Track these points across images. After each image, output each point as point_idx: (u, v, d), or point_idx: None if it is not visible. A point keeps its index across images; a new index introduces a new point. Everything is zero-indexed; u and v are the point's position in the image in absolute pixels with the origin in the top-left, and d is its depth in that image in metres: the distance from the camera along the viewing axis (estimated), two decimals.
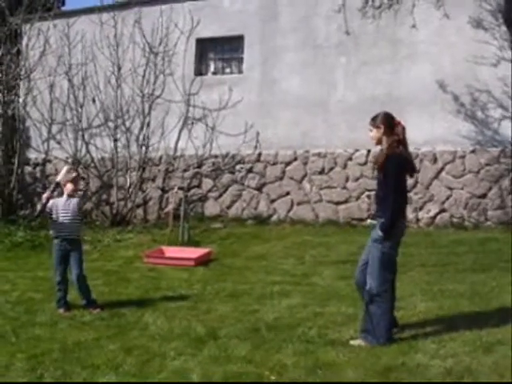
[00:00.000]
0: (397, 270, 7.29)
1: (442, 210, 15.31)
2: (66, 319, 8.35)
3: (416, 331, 7.23)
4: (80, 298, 8.97)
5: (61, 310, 8.75)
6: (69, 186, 8.89)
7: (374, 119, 7.21)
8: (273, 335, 7.34)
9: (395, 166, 6.93)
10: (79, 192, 9.62)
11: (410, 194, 15.36)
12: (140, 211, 17.82)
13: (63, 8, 22.74)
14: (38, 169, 19.32)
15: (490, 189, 14.94)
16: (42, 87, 18.43)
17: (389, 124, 7.07)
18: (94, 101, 18.06)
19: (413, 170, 7.28)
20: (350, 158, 15.93)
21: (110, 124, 17.76)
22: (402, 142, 7.06)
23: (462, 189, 15.17)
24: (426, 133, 15.32)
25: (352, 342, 6.95)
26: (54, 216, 8.88)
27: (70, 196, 8.94)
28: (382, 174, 7.03)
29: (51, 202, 8.87)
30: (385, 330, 6.95)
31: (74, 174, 9.20)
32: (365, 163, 15.73)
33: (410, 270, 10.80)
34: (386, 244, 6.96)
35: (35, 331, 7.77)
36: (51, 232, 8.97)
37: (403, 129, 7.10)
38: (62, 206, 8.85)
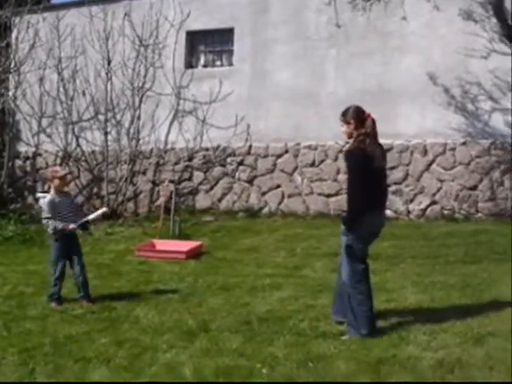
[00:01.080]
0: (367, 262, 7.26)
1: (433, 202, 15.35)
2: (57, 313, 8.33)
3: (407, 323, 7.24)
4: (76, 291, 8.96)
5: (53, 304, 8.72)
6: (56, 182, 8.88)
7: (344, 114, 7.22)
8: (264, 328, 7.34)
9: (356, 161, 6.98)
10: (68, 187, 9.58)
11: (401, 186, 15.43)
12: (131, 204, 17.79)
13: (53, 1, 22.69)
14: (28, 162, 19.26)
15: (481, 181, 14.97)
16: (32, 80, 18.37)
17: (359, 118, 7.08)
18: (84, 94, 18.03)
19: (379, 165, 7.09)
20: (341, 151, 15.89)
21: (101, 117, 17.74)
22: (371, 135, 7.05)
23: (452, 181, 15.20)
24: (416, 125, 15.37)
25: (342, 338, 6.96)
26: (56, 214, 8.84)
27: (61, 192, 8.96)
28: (347, 169, 7.11)
29: (50, 199, 8.83)
30: (365, 321, 6.97)
31: (64, 172, 9.25)
32: None
33: (401, 262, 10.83)
34: (350, 237, 7.02)
35: (26, 325, 7.75)
36: (51, 229, 8.79)
37: (373, 121, 7.09)
38: (64, 204, 8.88)
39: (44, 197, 9.19)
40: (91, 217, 9.20)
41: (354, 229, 6.97)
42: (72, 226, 8.79)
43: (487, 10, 14.46)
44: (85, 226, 9.11)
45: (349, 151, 7.13)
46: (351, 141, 7.18)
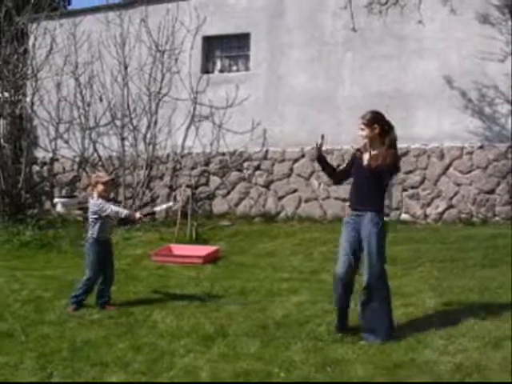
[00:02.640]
0: None
1: (450, 206, 15.29)
2: (75, 318, 8.35)
3: (425, 327, 7.22)
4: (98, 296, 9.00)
5: (71, 308, 8.74)
6: (100, 187, 8.86)
7: (366, 118, 7.34)
8: (281, 332, 7.34)
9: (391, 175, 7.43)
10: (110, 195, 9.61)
11: (418, 190, 15.39)
12: (148, 209, 17.81)
13: (69, 7, 22.88)
14: (45, 168, 19.35)
15: (498, 184, 14.90)
16: (49, 86, 18.44)
17: (383, 124, 7.13)
18: (101, 99, 18.07)
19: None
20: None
21: (117, 122, 17.76)
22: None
23: (469, 184, 15.14)
24: (433, 129, 15.32)
25: (361, 343, 6.92)
26: (100, 217, 8.90)
27: (105, 198, 8.98)
28: (388, 172, 7.18)
29: (100, 202, 8.86)
30: (387, 325, 6.99)
31: (108, 178, 9.27)
32: None
33: (418, 265, 10.81)
34: (382, 236, 7.15)
35: (44, 330, 7.78)
36: (91, 233, 8.93)
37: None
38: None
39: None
40: (157, 208, 9.54)
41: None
42: (138, 214, 9.07)
43: (504, 14, 14.42)
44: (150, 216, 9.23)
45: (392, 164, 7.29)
46: (368, 146, 7.17)
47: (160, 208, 9.58)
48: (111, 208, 8.85)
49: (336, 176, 7.77)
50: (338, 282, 7.24)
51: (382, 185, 7.26)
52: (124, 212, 8.97)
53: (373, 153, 7.15)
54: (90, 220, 8.95)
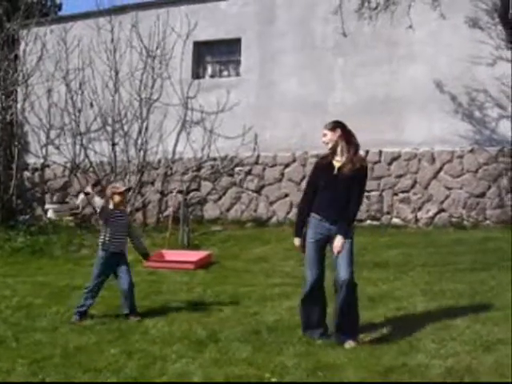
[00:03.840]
0: None
1: (441, 210, 15.35)
2: (67, 323, 8.33)
3: (416, 331, 7.23)
4: (123, 307, 8.75)
5: (76, 318, 8.49)
6: (116, 198, 8.62)
7: (328, 124, 7.35)
8: (273, 337, 7.34)
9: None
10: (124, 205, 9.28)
11: (409, 194, 15.43)
12: (139, 215, 17.83)
13: (60, 13, 22.84)
14: (36, 174, 19.33)
15: (489, 188, 14.97)
16: (40, 92, 18.43)
17: (345, 129, 7.23)
18: (91, 105, 18.08)
19: None
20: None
21: (108, 128, 17.78)
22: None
23: (460, 188, 15.20)
24: (423, 133, 15.38)
25: (347, 347, 6.93)
26: (110, 227, 8.64)
27: (119, 210, 8.72)
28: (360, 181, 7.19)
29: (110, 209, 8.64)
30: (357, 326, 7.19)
31: (124, 188, 9.09)
32: None
33: (410, 270, 10.83)
34: (351, 237, 7.18)
35: (36, 336, 7.76)
36: (101, 242, 8.65)
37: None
38: (119, 223, 8.67)
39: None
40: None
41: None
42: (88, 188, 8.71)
43: (493, 18, 14.49)
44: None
45: (365, 167, 7.29)
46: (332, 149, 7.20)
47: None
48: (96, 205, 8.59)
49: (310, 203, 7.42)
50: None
51: (357, 191, 7.16)
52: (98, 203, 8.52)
53: (341, 159, 7.14)
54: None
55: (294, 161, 16.62)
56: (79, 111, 18.12)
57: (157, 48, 17.44)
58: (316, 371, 6.22)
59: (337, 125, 7.23)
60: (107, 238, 8.61)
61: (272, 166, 16.85)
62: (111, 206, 8.63)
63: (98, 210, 8.53)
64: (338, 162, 7.16)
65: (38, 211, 18.85)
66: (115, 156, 17.55)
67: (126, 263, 8.89)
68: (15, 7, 18.44)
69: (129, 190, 9.46)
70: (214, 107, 17.10)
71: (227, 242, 14.66)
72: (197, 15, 17.23)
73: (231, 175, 17.20)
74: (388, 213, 15.68)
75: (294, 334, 7.39)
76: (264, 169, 16.92)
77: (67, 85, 18.12)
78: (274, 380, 6.08)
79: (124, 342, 7.44)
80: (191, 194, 17.36)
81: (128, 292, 8.64)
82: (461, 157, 15.24)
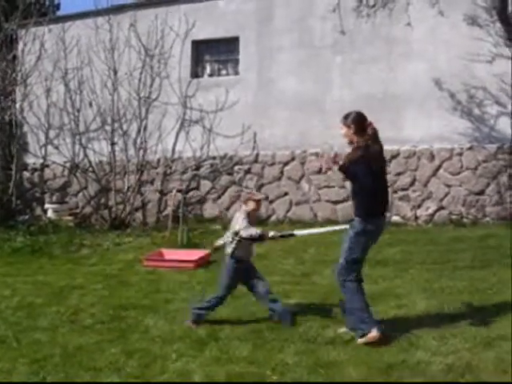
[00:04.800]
0: None
1: (441, 208, 15.35)
2: (68, 323, 8.33)
3: (417, 328, 7.23)
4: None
5: (190, 321, 8.05)
6: (251, 205, 8.13)
7: (345, 117, 7.26)
8: (274, 335, 7.34)
9: (360, 170, 7.03)
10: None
11: (408, 192, 15.44)
12: (139, 214, 17.84)
13: (58, 13, 22.82)
14: (36, 174, 19.33)
15: (488, 185, 14.97)
16: (39, 92, 18.44)
17: (359, 124, 7.12)
18: (90, 105, 18.09)
19: (378, 165, 7.17)
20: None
21: (108, 128, 17.79)
22: (374, 141, 7.11)
23: (459, 186, 15.21)
24: (422, 130, 15.39)
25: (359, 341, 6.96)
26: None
27: (252, 216, 8.20)
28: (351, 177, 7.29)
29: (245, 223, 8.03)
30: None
31: (261, 196, 8.67)
32: None
33: (409, 267, 10.81)
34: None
35: (36, 336, 7.76)
36: (231, 251, 8.10)
37: (374, 131, 7.16)
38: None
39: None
40: (298, 232, 8.56)
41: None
42: (272, 233, 8.08)
43: (492, 15, 14.47)
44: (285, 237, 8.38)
45: (350, 161, 7.11)
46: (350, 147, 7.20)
47: (301, 233, 8.66)
48: (246, 233, 7.93)
49: None
50: None
51: (355, 187, 7.22)
52: (258, 232, 7.95)
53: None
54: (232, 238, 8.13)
55: (293, 159, 16.62)
56: (78, 111, 18.15)
57: (155, 47, 17.45)
58: (317, 369, 6.23)
59: (352, 119, 7.18)
60: (238, 247, 8.13)
61: (271, 165, 16.85)
62: (244, 212, 8.13)
63: (256, 237, 7.98)
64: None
65: (38, 211, 18.86)
66: (114, 155, 17.56)
67: (255, 269, 8.40)
68: (13, 7, 18.43)
69: (266, 198, 8.86)
70: (212, 106, 17.12)
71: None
72: (195, 14, 17.23)
73: (230, 174, 17.21)
74: (387, 210, 15.66)
75: (295, 332, 7.40)
76: (263, 167, 16.92)
77: (66, 84, 18.14)
78: (274, 378, 6.09)
79: (124, 341, 7.44)
80: (191, 193, 17.37)
81: (268, 296, 8.16)
82: (460, 154, 15.25)
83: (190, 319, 8.04)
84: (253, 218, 8.18)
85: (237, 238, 7.99)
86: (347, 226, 7.35)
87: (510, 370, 5.92)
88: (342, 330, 7.26)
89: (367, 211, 7.08)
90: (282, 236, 8.24)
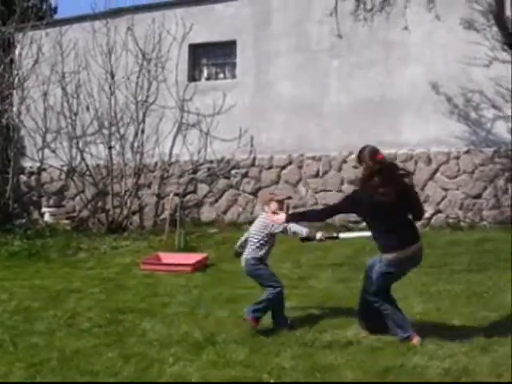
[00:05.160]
0: None
1: (438, 211, 15.35)
2: (65, 327, 8.32)
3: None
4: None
5: (253, 317, 7.77)
6: (272, 206, 8.08)
7: (358, 155, 7.29)
8: (271, 339, 7.34)
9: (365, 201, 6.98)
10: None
11: None
12: (136, 218, 17.83)
13: (55, 16, 22.80)
14: (33, 178, 19.32)
15: (485, 189, 14.98)
16: (36, 96, 18.44)
17: (372, 159, 7.04)
18: (88, 108, 18.09)
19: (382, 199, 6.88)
20: (345, 161, 15.96)
21: (105, 131, 17.78)
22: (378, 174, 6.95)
23: (457, 189, 15.22)
24: (419, 134, 15.40)
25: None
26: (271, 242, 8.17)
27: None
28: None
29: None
30: None
31: (283, 196, 8.64)
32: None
33: None
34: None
35: (33, 340, 7.75)
36: (259, 258, 8.03)
37: (378, 162, 7.02)
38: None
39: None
40: (343, 235, 8.58)
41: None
42: (320, 234, 8.04)
43: (488, 19, 14.50)
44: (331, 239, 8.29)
45: (346, 196, 7.36)
46: None
47: (347, 235, 8.74)
48: (291, 228, 7.99)
49: None
50: None
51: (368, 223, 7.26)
52: (304, 231, 8.01)
53: None
54: (257, 240, 8.06)
55: (291, 163, 16.63)
56: (75, 114, 18.14)
57: (152, 51, 17.46)
58: (313, 372, 6.23)
59: (364, 156, 7.15)
60: (265, 252, 8.14)
61: (268, 169, 16.85)
62: (265, 213, 8.12)
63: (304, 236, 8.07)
64: None
65: (35, 215, 18.85)
66: (111, 159, 17.55)
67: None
68: (10, 11, 18.44)
69: (289, 198, 8.74)
70: (210, 110, 17.12)
71: (224, 244, 14.62)
72: (192, 18, 17.24)
73: (228, 178, 17.21)
74: None
75: (291, 336, 7.40)
76: (260, 171, 16.92)
77: (63, 88, 18.13)
78: (271, 381, 6.09)
79: (121, 345, 7.44)
80: (188, 197, 17.36)
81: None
82: (457, 158, 15.26)
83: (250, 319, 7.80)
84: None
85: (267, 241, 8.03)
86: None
87: (505, 375, 5.92)
88: (362, 334, 7.30)
89: (384, 246, 7.03)
90: (328, 238, 8.18)
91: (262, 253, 8.05)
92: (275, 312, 8.00)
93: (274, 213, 7.92)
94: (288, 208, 8.38)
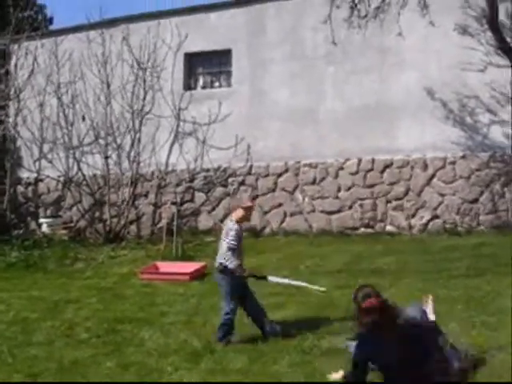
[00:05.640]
0: None
1: (435, 217, 15.35)
2: (63, 337, 8.31)
3: None
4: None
5: (232, 338, 7.88)
6: (239, 212, 8.29)
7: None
8: (269, 347, 7.34)
9: None
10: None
11: (402, 202, 15.46)
12: (133, 227, 17.81)
13: (51, 27, 22.80)
14: (30, 188, 19.29)
15: (482, 193, 14.99)
16: (32, 106, 18.43)
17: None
18: (83, 119, 18.08)
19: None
20: (341, 168, 15.96)
21: (101, 141, 17.78)
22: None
23: (453, 194, 15.22)
24: (415, 140, 15.40)
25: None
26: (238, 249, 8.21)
27: (240, 224, 8.30)
28: None
29: (237, 228, 8.18)
30: None
31: (250, 204, 8.68)
32: (356, 172, 15.77)
33: (405, 276, 10.82)
34: None
35: (32, 351, 7.76)
36: (232, 264, 8.03)
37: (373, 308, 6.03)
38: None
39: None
40: (272, 279, 8.49)
41: None
42: (246, 273, 8.10)
43: (482, 24, 14.53)
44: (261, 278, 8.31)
45: None
46: None
47: (276, 280, 8.56)
48: (231, 252, 8.06)
49: None
50: None
51: None
52: (233, 263, 8.01)
53: None
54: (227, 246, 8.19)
55: (287, 170, 16.63)
56: (71, 125, 18.13)
57: (148, 60, 17.46)
58: (312, 379, 6.23)
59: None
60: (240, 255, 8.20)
61: (265, 176, 16.85)
62: (233, 220, 8.23)
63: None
64: None
65: (32, 225, 18.81)
66: (108, 169, 17.54)
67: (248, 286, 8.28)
68: (5, 22, 18.45)
69: (255, 197, 8.67)
70: (206, 118, 17.12)
71: None
72: (187, 27, 17.25)
73: (224, 186, 17.20)
74: (382, 220, 15.69)
75: (289, 343, 7.41)
76: (257, 179, 16.92)
77: (59, 98, 18.13)
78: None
79: (120, 354, 7.45)
80: (185, 206, 17.34)
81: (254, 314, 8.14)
82: (453, 163, 15.27)
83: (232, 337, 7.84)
84: (243, 224, 8.33)
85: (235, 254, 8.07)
86: (323, 289, 7.73)
87: (503, 379, 5.93)
88: None
89: None
90: (254, 276, 8.22)
91: (233, 263, 8.06)
92: (258, 323, 8.06)
93: (240, 220, 8.20)
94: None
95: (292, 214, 16.53)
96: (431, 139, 15.30)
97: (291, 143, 16.43)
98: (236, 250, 8.04)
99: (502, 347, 6.78)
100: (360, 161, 15.63)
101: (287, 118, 16.45)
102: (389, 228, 15.59)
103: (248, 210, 8.37)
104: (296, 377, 6.34)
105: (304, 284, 8.63)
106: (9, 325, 9.15)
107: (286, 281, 8.70)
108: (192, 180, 17.46)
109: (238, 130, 16.78)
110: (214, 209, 17.27)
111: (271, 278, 8.36)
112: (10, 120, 18.70)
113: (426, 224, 15.36)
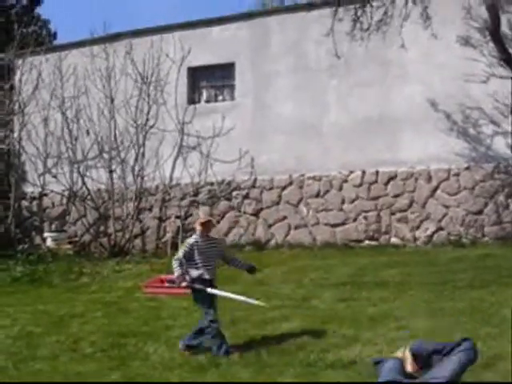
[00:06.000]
0: None
1: (439, 228, 15.34)
2: (68, 352, 8.31)
3: None
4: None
5: (235, 353, 7.79)
6: (198, 227, 8.55)
7: None
8: (274, 360, 7.33)
9: None
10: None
11: (406, 214, 15.45)
12: (138, 241, 17.82)
13: (55, 42, 22.91)
14: (34, 203, 19.34)
15: (486, 205, 14.98)
16: (36, 121, 18.51)
17: None
18: (88, 133, 18.12)
19: None
20: (346, 180, 15.97)
21: (105, 155, 17.82)
22: None
23: (457, 206, 15.21)
24: (419, 152, 15.40)
25: None
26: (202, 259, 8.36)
27: (207, 236, 8.58)
28: None
29: (192, 241, 8.39)
30: None
31: (206, 219, 8.78)
32: (360, 185, 15.78)
33: (409, 289, 10.80)
34: None
35: (37, 365, 7.75)
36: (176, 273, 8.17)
37: None
38: (209, 250, 8.48)
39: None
40: (212, 291, 8.40)
41: None
42: (184, 283, 8.19)
43: (484, 36, 14.55)
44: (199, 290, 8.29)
45: None
46: None
47: (215, 292, 8.49)
48: (177, 263, 8.15)
49: None
50: None
51: None
52: (177, 272, 8.14)
53: None
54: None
55: (291, 183, 16.64)
56: (76, 139, 18.19)
57: (151, 74, 17.53)
58: None
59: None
60: (212, 269, 8.44)
61: (269, 189, 16.87)
62: (197, 234, 8.49)
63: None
64: None
65: (37, 240, 18.84)
66: (113, 183, 17.58)
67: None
68: (10, 37, 18.54)
69: (210, 221, 8.84)
70: (210, 132, 17.15)
71: (225, 265, 14.61)
72: (190, 41, 17.30)
73: (229, 199, 17.22)
74: (386, 232, 15.68)
75: (294, 356, 7.39)
76: (261, 192, 16.93)
77: (63, 113, 18.19)
78: None
79: (125, 368, 7.44)
80: (189, 219, 17.34)
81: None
82: (457, 174, 15.27)
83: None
84: (205, 237, 8.51)
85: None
86: (264, 304, 7.91)
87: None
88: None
89: None
90: (192, 287, 8.27)
91: (179, 272, 8.12)
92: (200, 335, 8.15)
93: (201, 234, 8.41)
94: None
95: (296, 227, 16.53)
96: (435, 151, 15.30)
97: (295, 156, 16.45)
98: (183, 262, 8.17)
99: (503, 357, 6.77)
100: (364, 173, 15.65)
101: (291, 130, 16.48)
102: (393, 240, 15.58)
103: (205, 225, 8.54)
104: None
105: (243, 298, 8.64)
106: (14, 339, 9.13)
107: (225, 294, 8.64)
108: (196, 194, 17.49)
109: (242, 143, 16.81)
110: (218, 222, 17.23)
111: (210, 290, 8.31)
112: (15, 135, 18.76)
113: (431, 236, 15.35)
